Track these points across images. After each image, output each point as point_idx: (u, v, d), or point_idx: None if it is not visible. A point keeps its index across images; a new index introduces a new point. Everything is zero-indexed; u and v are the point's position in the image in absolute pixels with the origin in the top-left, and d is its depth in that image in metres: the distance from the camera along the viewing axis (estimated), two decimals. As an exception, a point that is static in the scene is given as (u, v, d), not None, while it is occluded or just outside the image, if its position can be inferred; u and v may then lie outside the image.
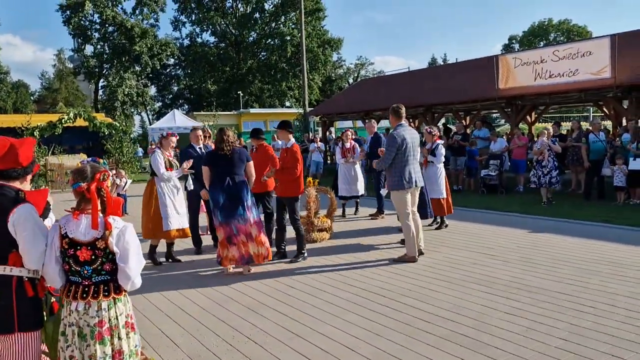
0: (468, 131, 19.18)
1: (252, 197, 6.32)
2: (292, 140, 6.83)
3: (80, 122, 19.93)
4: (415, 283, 5.60)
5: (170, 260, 7.01)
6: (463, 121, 21.35)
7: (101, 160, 2.77)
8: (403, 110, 6.70)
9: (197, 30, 51.18)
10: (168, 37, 50.73)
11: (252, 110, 38.92)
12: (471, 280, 5.60)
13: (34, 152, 2.76)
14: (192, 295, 5.45)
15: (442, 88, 19.08)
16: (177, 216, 6.79)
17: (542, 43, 56.76)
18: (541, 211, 10.02)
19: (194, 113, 37.31)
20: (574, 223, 8.70)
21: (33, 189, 3.17)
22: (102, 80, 48.40)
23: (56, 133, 18.88)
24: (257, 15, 49.68)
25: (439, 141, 8.59)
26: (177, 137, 7.21)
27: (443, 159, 8.51)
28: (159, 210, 6.69)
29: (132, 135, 28.78)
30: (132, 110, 48.90)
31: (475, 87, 17.36)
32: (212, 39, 52.25)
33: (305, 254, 6.82)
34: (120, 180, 11.56)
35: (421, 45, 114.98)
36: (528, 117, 19.66)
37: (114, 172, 11.69)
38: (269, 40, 49.79)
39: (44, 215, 3.20)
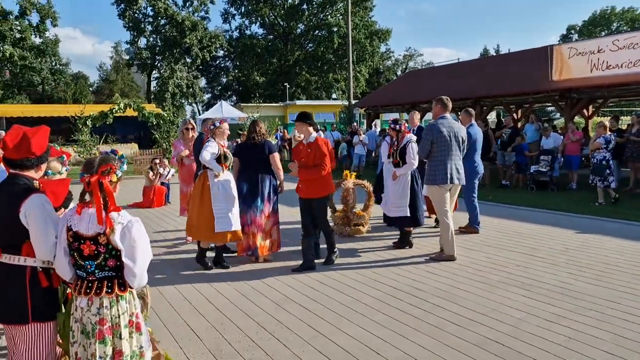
0: (519, 125, 18.52)
1: (274, 189, 6.25)
2: (314, 133, 6.07)
3: (130, 113, 20.50)
4: (450, 283, 5.34)
5: (218, 265, 6.17)
6: (514, 115, 20.56)
7: (120, 153, 2.70)
8: (450, 103, 6.41)
9: (246, 22, 51.71)
10: (218, 29, 51.49)
11: (298, 102, 38.97)
12: (511, 283, 5.30)
13: (48, 140, 2.72)
14: (221, 288, 5.41)
15: (492, 80, 18.38)
16: (231, 216, 5.93)
17: (603, 33, 53.89)
18: (594, 211, 9.44)
19: (241, 104, 37.77)
20: (629, 225, 8.13)
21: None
22: (154, 71, 49.70)
23: (107, 123, 19.46)
24: (304, 6, 49.61)
25: None
26: (228, 122, 6.38)
27: None
28: (211, 208, 5.88)
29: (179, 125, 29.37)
30: (182, 101, 50.00)
31: (527, 79, 16.60)
32: (260, 31, 52.67)
33: (337, 253, 6.29)
34: (164, 169, 11.78)
35: (473, 37, 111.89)
36: (585, 111, 18.70)
37: (157, 161, 11.92)
38: (316, 31, 49.65)
39: (65, 205, 3.20)
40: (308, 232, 6.08)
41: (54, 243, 2.56)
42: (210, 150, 5.82)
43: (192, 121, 7.76)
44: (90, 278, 2.53)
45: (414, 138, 6.97)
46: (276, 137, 24.03)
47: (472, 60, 25.05)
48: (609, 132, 10.69)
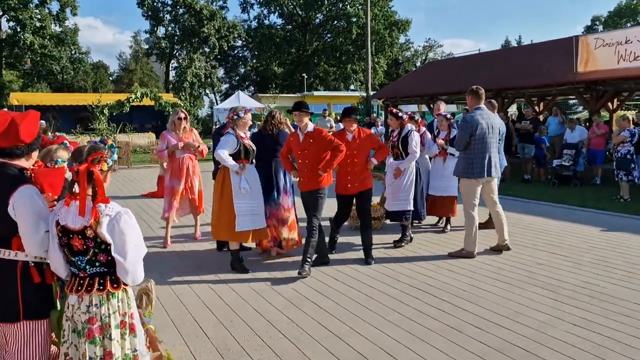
0: (541, 118, 18.01)
1: (290, 180, 6.06)
2: (311, 124, 5.50)
3: (148, 102, 20.48)
4: (469, 282, 5.11)
5: (234, 270, 5.58)
6: (536, 107, 20.05)
7: (110, 142, 2.52)
8: (482, 91, 6.12)
9: (265, 12, 51.38)
10: (236, 19, 51.29)
11: (315, 93, 38.70)
12: (534, 283, 5.04)
13: (38, 126, 2.55)
14: (232, 283, 5.24)
15: (514, 71, 17.89)
16: (254, 214, 5.52)
17: (629, 24, 52.43)
18: (619, 207, 9.09)
19: (259, 95, 37.63)
20: (658, 222, 7.79)
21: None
22: (172, 61, 49.78)
23: (124, 111, 19.47)
24: (324, -4, 49.14)
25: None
26: (252, 112, 5.87)
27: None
28: (231, 206, 5.45)
29: (198, 115, 29.35)
30: (201, 91, 50.05)
31: (550, 71, 16.11)
32: (279, 21, 52.33)
33: (306, 271, 5.30)
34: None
35: (494, 28, 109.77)
36: (609, 104, 18.14)
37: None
38: (335, 21, 49.17)
39: (62, 196, 3.04)
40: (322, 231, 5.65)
41: (43, 238, 2.40)
42: (228, 146, 5.40)
43: (183, 110, 6.87)
44: (82, 275, 2.38)
45: (414, 127, 6.79)
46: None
47: (493, 51, 24.49)
48: (632, 125, 10.32)
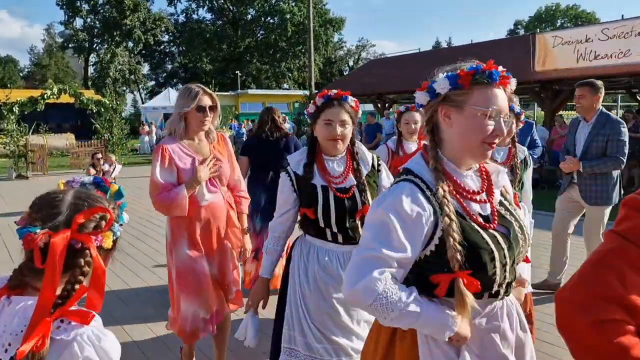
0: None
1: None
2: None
3: (66, 99, 18.11)
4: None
5: None
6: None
7: (115, 187, 1.24)
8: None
9: (193, 5, 49.02)
10: (162, 12, 48.51)
11: (250, 91, 37.02)
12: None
13: None
14: None
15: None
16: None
17: (548, 29, 55.03)
18: (608, 214, 8.47)
19: (190, 93, 35.45)
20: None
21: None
22: (92, 55, 46.26)
23: (38, 109, 17.02)
24: (256, -9, 47.61)
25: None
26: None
27: None
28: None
29: (123, 114, 26.96)
30: (124, 88, 46.85)
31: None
32: (208, 16, 50.15)
33: None
34: (110, 165, 9.95)
35: (418, 31, 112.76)
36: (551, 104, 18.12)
37: (100, 156, 9.99)
38: (269, 18, 47.76)
39: None
40: None
41: None
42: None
43: (207, 90, 2.98)
44: None
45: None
46: (231, 128, 22.21)
47: (440, 49, 24.16)
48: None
